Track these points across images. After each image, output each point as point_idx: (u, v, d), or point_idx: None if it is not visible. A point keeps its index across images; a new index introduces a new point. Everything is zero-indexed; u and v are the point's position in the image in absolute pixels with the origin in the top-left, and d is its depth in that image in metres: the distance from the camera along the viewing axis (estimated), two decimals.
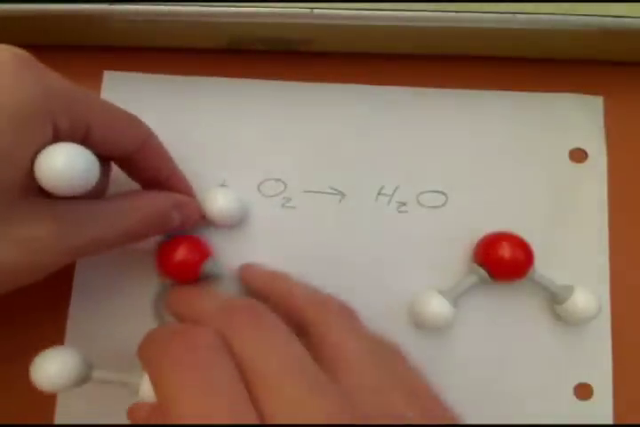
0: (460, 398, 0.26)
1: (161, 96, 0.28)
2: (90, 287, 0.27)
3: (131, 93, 0.28)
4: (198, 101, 0.28)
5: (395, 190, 0.28)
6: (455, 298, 0.25)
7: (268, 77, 0.28)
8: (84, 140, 0.20)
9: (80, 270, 0.27)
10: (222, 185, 0.27)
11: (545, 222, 0.27)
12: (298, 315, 0.22)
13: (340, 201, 0.28)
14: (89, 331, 0.26)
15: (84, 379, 0.22)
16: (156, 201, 0.23)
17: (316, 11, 0.25)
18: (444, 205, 0.27)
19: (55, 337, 0.26)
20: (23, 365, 0.27)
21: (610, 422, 0.26)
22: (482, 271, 0.25)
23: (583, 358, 0.26)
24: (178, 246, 0.25)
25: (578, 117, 0.28)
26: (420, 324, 0.26)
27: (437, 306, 0.25)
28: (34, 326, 0.27)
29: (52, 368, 0.22)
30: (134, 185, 0.25)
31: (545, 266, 0.26)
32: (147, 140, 0.23)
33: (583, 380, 0.26)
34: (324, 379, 0.18)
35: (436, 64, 0.28)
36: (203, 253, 0.25)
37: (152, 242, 0.26)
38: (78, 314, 0.26)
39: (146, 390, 0.20)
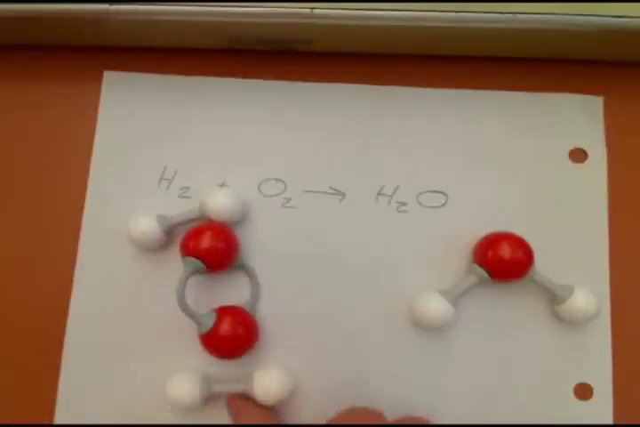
0: (459, 397, 0.26)
1: (161, 96, 0.28)
2: None
3: (131, 93, 0.28)
4: (198, 101, 0.28)
5: (395, 190, 0.28)
6: (455, 298, 0.25)
7: (268, 77, 0.28)
8: None
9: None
10: (222, 185, 0.28)
11: (545, 222, 0.27)
12: None
13: (340, 201, 0.28)
14: None
15: (210, 394, 0.25)
16: None
17: (315, 11, 0.25)
18: (443, 205, 0.27)
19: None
20: (23, 364, 0.27)
21: (610, 422, 0.26)
22: (482, 271, 0.25)
23: (583, 358, 0.26)
24: (225, 233, 0.26)
25: (578, 117, 0.28)
26: (420, 324, 0.26)
27: (437, 306, 0.25)
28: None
29: (184, 389, 0.24)
30: None
31: (545, 266, 0.26)
32: None
33: (583, 380, 0.26)
34: None
35: (436, 64, 0.28)
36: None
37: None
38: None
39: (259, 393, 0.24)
